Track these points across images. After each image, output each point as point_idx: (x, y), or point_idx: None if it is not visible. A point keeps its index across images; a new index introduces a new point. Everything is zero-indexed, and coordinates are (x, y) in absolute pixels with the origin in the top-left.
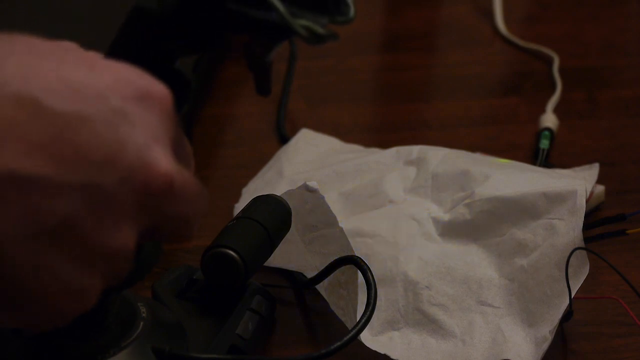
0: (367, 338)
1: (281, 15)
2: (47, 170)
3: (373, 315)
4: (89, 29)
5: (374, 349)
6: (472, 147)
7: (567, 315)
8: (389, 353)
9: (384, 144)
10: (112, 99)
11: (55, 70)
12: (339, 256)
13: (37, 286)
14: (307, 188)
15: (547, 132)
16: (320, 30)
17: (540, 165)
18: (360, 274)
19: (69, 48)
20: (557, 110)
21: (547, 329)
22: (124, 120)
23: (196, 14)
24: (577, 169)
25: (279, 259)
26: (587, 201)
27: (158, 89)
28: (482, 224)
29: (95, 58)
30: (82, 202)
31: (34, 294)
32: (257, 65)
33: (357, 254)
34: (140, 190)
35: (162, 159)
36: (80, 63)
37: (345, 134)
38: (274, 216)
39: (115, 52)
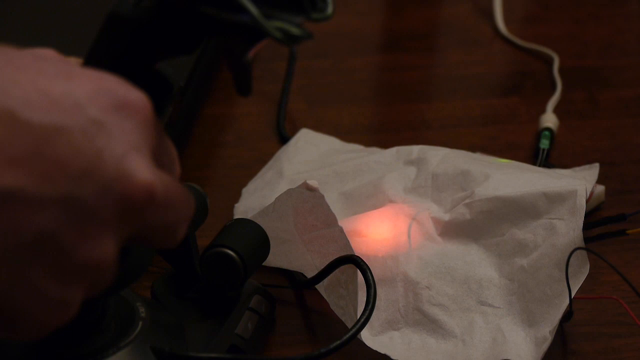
0: (367, 338)
1: (254, 18)
2: (25, 183)
3: (373, 315)
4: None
5: (374, 348)
6: (472, 147)
7: (567, 315)
8: (388, 353)
9: (384, 144)
10: (89, 109)
11: (32, 81)
12: (338, 256)
13: (16, 299)
14: (307, 187)
15: (547, 132)
16: (294, 30)
17: (540, 165)
18: (360, 274)
19: (46, 57)
20: (557, 110)
21: (547, 329)
22: (102, 131)
23: (170, 19)
24: (577, 169)
25: (278, 259)
26: (587, 201)
27: (136, 97)
28: (482, 224)
29: (72, 67)
30: (61, 214)
31: (13, 307)
32: (236, 65)
33: (356, 253)
34: (120, 202)
35: (141, 169)
36: (58, 73)
37: (345, 134)
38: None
39: (93, 58)
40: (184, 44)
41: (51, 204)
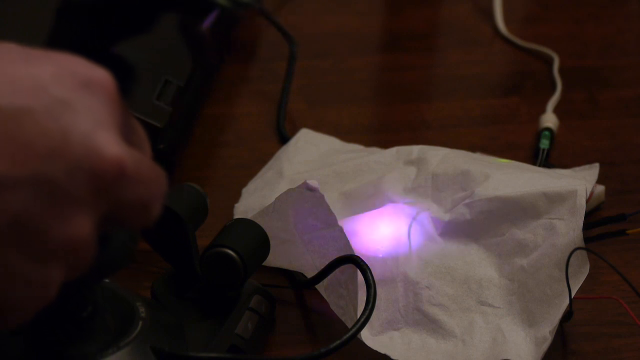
0: (367, 337)
1: None
2: None
3: (373, 315)
4: None
5: (374, 348)
6: (472, 147)
7: (567, 315)
8: (389, 353)
9: (384, 144)
10: (53, 89)
11: None
12: (338, 256)
13: None
14: (307, 187)
15: (547, 132)
16: None
17: (540, 165)
18: (360, 274)
19: (6, 45)
20: (557, 110)
21: (547, 329)
22: (67, 109)
23: None
24: (577, 169)
25: (279, 258)
26: (587, 201)
27: (99, 74)
28: (482, 224)
29: (33, 52)
30: (33, 195)
31: None
32: (192, 39)
33: (356, 253)
34: (91, 178)
35: (109, 144)
36: (19, 58)
37: (345, 134)
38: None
39: (52, 44)
40: (138, 22)
41: (22, 185)
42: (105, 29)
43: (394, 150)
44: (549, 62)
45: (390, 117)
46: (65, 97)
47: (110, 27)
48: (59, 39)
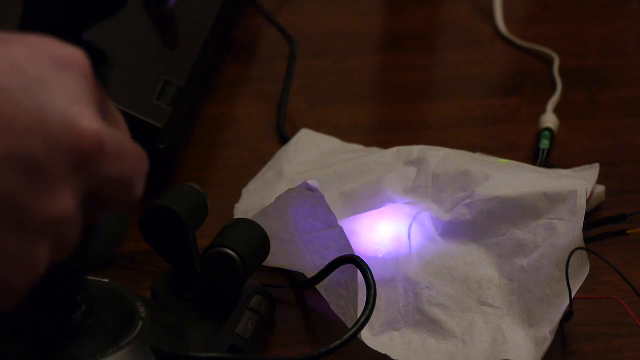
0: (367, 337)
1: None
2: None
3: (373, 316)
4: None
5: (374, 348)
6: (472, 147)
7: (567, 315)
8: (389, 353)
9: (384, 144)
10: (27, 68)
11: None
12: (338, 256)
13: None
14: (306, 187)
15: (547, 132)
16: None
17: (540, 165)
18: (359, 274)
19: None
20: (557, 110)
21: (547, 329)
22: (43, 87)
23: None
24: (577, 169)
25: (278, 258)
26: (587, 201)
27: (73, 52)
28: (482, 224)
29: (6, 34)
30: (14, 172)
31: None
32: (158, 15)
33: (356, 253)
34: (70, 152)
35: (86, 118)
36: None
37: (345, 134)
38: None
39: (24, 28)
40: (107, 4)
41: (2, 163)
42: (75, 13)
43: (394, 150)
44: (549, 62)
45: (390, 117)
46: (40, 75)
47: (79, 10)
48: (30, 23)
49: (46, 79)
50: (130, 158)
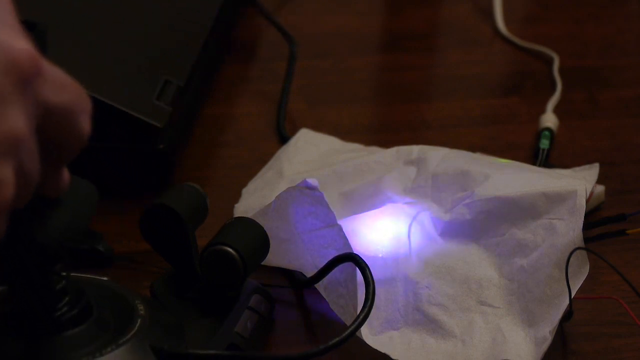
0: (367, 337)
1: None
2: None
3: (373, 315)
4: None
5: (374, 346)
6: (472, 147)
7: (567, 315)
8: (388, 352)
9: (384, 144)
10: None
11: None
12: (337, 254)
13: None
14: (306, 185)
15: (547, 132)
16: None
17: (540, 165)
18: (359, 272)
19: None
20: (557, 110)
21: (547, 329)
22: None
23: None
24: (577, 169)
25: (278, 258)
26: (587, 201)
27: None
28: (482, 224)
29: None
30: None
31: None
32: None
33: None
34: (10, 72)
35: (15, 38)
36: None
37: (345, 134)
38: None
39: None
40: None
41: None
42: None
43: (394, 150)
44: (549, 62)
45: (390, 117)
46: None
47: None
48: None
49: None
50: (69, 87)
